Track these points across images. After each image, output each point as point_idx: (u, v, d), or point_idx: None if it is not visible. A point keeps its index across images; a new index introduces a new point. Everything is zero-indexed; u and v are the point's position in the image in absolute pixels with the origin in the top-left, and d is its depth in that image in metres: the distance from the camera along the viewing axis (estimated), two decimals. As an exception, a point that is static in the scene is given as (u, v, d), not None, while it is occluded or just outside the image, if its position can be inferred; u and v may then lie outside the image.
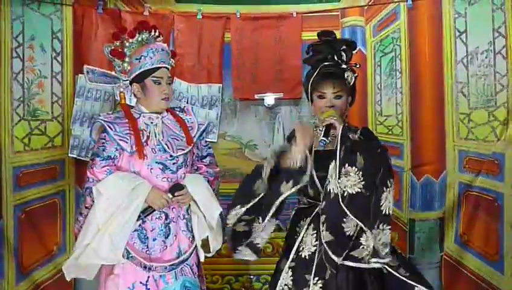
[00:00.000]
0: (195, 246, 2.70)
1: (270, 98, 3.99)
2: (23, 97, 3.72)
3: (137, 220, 2.56)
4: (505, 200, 3.55)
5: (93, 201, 2.55)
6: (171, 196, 2.58)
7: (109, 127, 2.58)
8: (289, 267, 2.51)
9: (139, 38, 2.60)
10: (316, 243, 2.46)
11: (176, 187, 2.61)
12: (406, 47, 3.89)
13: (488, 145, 3.64)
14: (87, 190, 2.58)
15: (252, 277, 3.99)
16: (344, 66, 2.55)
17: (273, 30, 4.01)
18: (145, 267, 2.56)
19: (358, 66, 2.64)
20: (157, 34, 2.66)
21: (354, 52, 2.64)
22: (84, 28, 3.84)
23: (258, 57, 4.01)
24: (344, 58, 2.56)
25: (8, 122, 3.67)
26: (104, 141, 2.60)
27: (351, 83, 2.54)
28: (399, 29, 3.91)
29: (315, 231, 2.49)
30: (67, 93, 3.87)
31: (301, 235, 2.53)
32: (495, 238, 3.60)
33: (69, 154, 3.82)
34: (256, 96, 3.99)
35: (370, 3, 3.98)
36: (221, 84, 3.99)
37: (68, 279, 2.68)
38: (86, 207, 2.59)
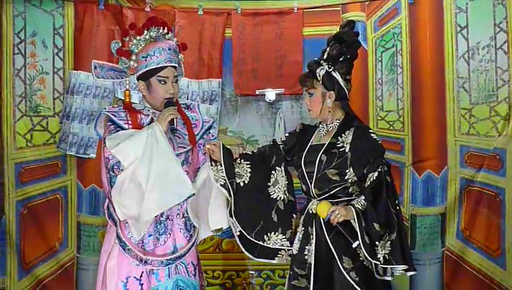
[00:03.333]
0: (193, 245, 2.68)
1: (271, 94, 3.97)
2: (25, 93, 3.74)
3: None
4: (506, 195, 3.57)
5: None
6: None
7: (113, 115, 2.59)
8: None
9: (147, 36, 2.58)
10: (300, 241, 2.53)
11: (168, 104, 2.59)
12: (407, 42, 3.86)
13: (489, 141, 3.65)
14: (114, 167, 2.46)
15: (253, 272, 3.97)
16: (322, 61, 2.50)
17: (274, 26, 4.00)
18: (141, 260, 2.55)
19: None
20: (165, 31, 2.63)
21: (343, 45, 2.49)
22: (86, 24, 3.85)
23: (259, 53, 4.00)
24: (326, 54, 2.50)
25: (10, 118, 3.70)
26: (112, 126, 2.58)
27: (321, 78, 2.47)
28: (400, 25, 3.89)
29: (303, 229, 2.54)
30: (68, 89, 3.87)
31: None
32: (497, 234, 3.61)
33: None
34: (257, 92, 3.98)
35: (371, -1, 3.96)
36: (220, 79, 3.98)
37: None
38: None
